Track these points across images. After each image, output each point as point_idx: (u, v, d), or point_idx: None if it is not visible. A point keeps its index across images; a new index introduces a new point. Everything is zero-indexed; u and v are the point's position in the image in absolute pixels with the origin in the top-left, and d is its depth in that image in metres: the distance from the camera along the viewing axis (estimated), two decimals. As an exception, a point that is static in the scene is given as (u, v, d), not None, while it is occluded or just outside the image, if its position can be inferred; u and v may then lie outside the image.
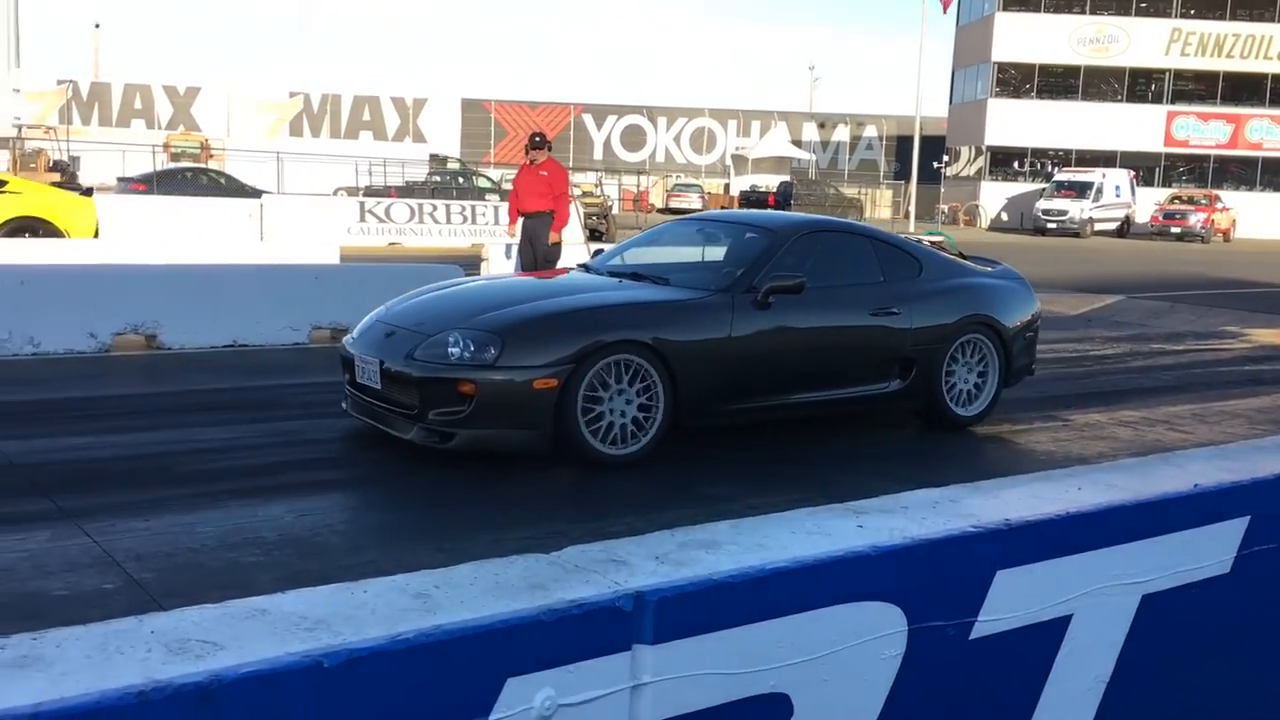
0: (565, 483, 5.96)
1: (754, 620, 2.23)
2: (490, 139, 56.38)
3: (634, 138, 58.94)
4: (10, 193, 14.44)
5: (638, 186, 44.99)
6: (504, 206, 25.48)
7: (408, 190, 31.01)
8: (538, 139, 11.95)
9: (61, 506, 5.04)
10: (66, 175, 34.27)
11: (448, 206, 25.33)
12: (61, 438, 6.35)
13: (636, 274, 7.05)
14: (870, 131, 61.76)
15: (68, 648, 1.95)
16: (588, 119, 58.25)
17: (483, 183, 35.23)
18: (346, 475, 5.96)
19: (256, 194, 25.71)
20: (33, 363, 8.71)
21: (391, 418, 6.03)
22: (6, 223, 13.72)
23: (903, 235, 8.45)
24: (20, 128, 40.99)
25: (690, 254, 7.81)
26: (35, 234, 13.58)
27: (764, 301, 6.51)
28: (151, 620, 2.03)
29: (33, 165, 34.50)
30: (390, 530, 5.04)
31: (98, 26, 66.71)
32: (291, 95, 53.92)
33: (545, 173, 11.73)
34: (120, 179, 29.73)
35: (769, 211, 9.49)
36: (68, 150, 39.16)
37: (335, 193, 32.84)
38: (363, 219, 23.88)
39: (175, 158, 38.16)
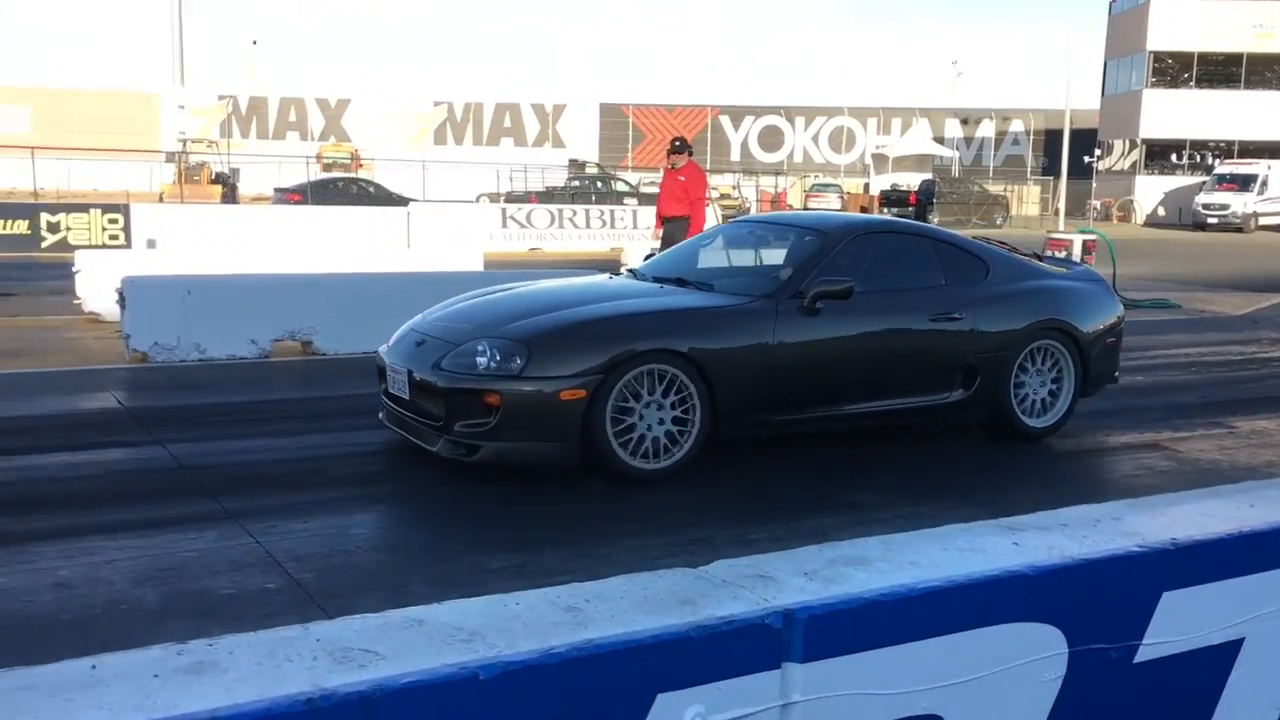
0: (702, 487, 5.95)
1: (907, 640, 2.19)
2: (628, 142, 56.80)
3: (771, 138, 58.60)
4: None
5: (775, 188, 44.70)
6: (643, 210, 25.70)
7: (547, 195, 31.50)
8: (678, 143, 12.00)
9: (226, 508, 5.28)
10: (227, 187, 35.88)
11: (587, 211, 25.63)
12: (226, 440, 6.65)
13: (681, 279, 6.75)
14: (1016, 126, 60.05)
15: (239, 654, 2.04)
16: (725, 120, 58.18)
17: (621, 187, 35.53)
18: (496, 477, 6.05)
19: (404, 202, 26.48)
20: (199, 368, 9.15)
21: (420, 429, 5.90)
22: None
23: (981, 239, 7.95)
24: (185, 142, 43.09)
25: (744, 258, 7.50)
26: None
27: (811, 307, 6.21)
28: (316, 628, 2.11)
29: (196, 178, 36.23)
30: (539, 532, 5.11)
31: (255, 43, 69.69)
32: (436, 104, 55.36)
33: (683, 177, 11.78)
34: (276, 189, 31.00)
35: (825, 213, 8.94)
36: (228, 163, 40.99)
37: (478, 199, 33.58)
38: (504, 225, 24.34)
39: (327, 168, 39.59)
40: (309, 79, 56.28)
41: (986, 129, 60.44)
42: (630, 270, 7.45)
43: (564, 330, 5.80)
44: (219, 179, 36.96)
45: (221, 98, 53.91)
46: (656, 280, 6.78)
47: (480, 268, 14.16)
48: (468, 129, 55.29)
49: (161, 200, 31.88)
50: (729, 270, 7.27)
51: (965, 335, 6.71)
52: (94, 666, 2.12)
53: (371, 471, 6.07)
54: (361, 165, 42.70)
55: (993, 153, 60.41)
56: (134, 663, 2.09)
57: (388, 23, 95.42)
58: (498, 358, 5.60)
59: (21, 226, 20.83)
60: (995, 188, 47.92)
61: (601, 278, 7.46)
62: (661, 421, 5.76)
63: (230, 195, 35.13)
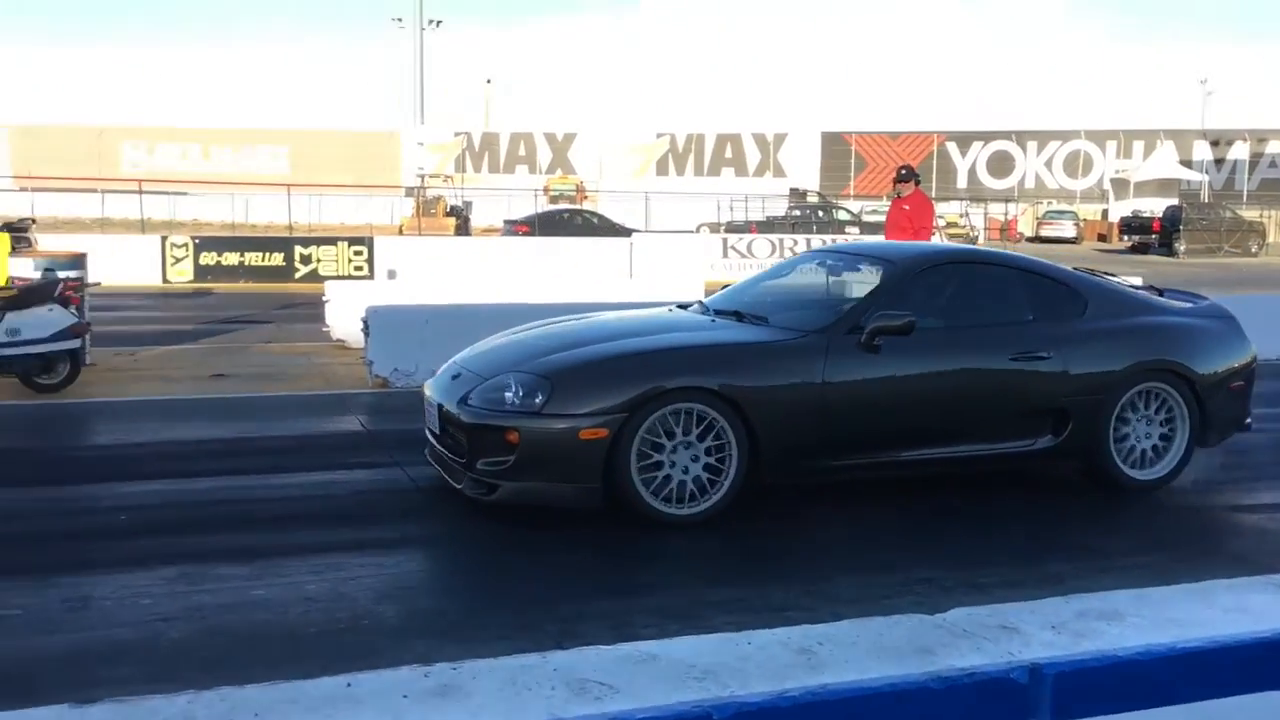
0: (929, 521, 5.78)
1: (1165, 703, 2.05)
2: (850, 171, 56.21)
3: (1001, 164, 56.77)
4: None
5: (1005, 215, 43.23)
6: (866, 239, 25.34)
7: (768, 225, 31.51)
8: (904, 171, 11.78)
9: (461, 530, 5.50)
10: (461, 219, 37.56)
11: (808, 241, 25.46)
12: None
13: (738, 312, 6.34)
14: (1273, 148, 55.98)
15: (481, 679, 2.11)
16: (951, 147, 56.77)
17: (843, 215, 35.15)
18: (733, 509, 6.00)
19: (627, 233, 27.03)
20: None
21: (450, 465, 5.72)
22: None
23: (1079, 268, 7.23)
24: (423, 177, 45.42)
25: (817, 290, 6.95)
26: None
27: (870, 343, 5.75)
28: (554, 658, 2.15)
29: (432, 211, 38.08)
30: (761, 565, 5.06)
31: (489, 82, 72.94)
32: (658, 136, 56.38)
33: (909, 206, 11.55)
34: (506, 221, 32.23)
35: (900, 243, 8.10)
36: (461, 196, 42.94)
37: (698, 229, 33.92)
38: (725, 255, 24.48)
39: (554, 200, 40.87)
40: (538, 114, 58.36)
41: (1239, 151, 56.62)
42: (700, 303, 7.02)
43: (588, 366, 5.53)
44: (453, 212, 38.72)
45: (457, 134, 56.54)
46: (718, 313, 6.42)
47: (702, 297, 14.25)
48: (689, 159, 56.05)
49: (401, 233, 33.66)
50: (792, 303, 6.72)
51: (1053, 376, 6.11)
52: (349, 684, 2.25)
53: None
54: (586, 197, 43.89)
55: (1246, 176, 56.53)
56: (385, 682, 2.20)
57: (612, 57, 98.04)
58: (521, 394, 5.39)
59: (278, 258, 22.40)
60: (1250, 214, 44.75)
61: (661, 311, 6.99)
62: (692, 465, 5.41)
63: (463, 227, 36.76)
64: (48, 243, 18.96)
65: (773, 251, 24.78)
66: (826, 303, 6.54)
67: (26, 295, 9.17)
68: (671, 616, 4.23)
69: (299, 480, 6.53)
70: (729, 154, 56.16)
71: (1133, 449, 6.28)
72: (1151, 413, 6.32)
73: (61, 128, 52.27)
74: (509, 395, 5.41)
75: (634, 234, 25.99)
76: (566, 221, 30.61)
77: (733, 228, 31.82)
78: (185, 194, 45.42)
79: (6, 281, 9.24)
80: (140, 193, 30.76)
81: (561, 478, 5.32)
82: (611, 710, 1.75)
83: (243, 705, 2.18)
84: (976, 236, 31.39)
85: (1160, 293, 7.20)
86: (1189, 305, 6.98)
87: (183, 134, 53.52)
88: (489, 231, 35.74)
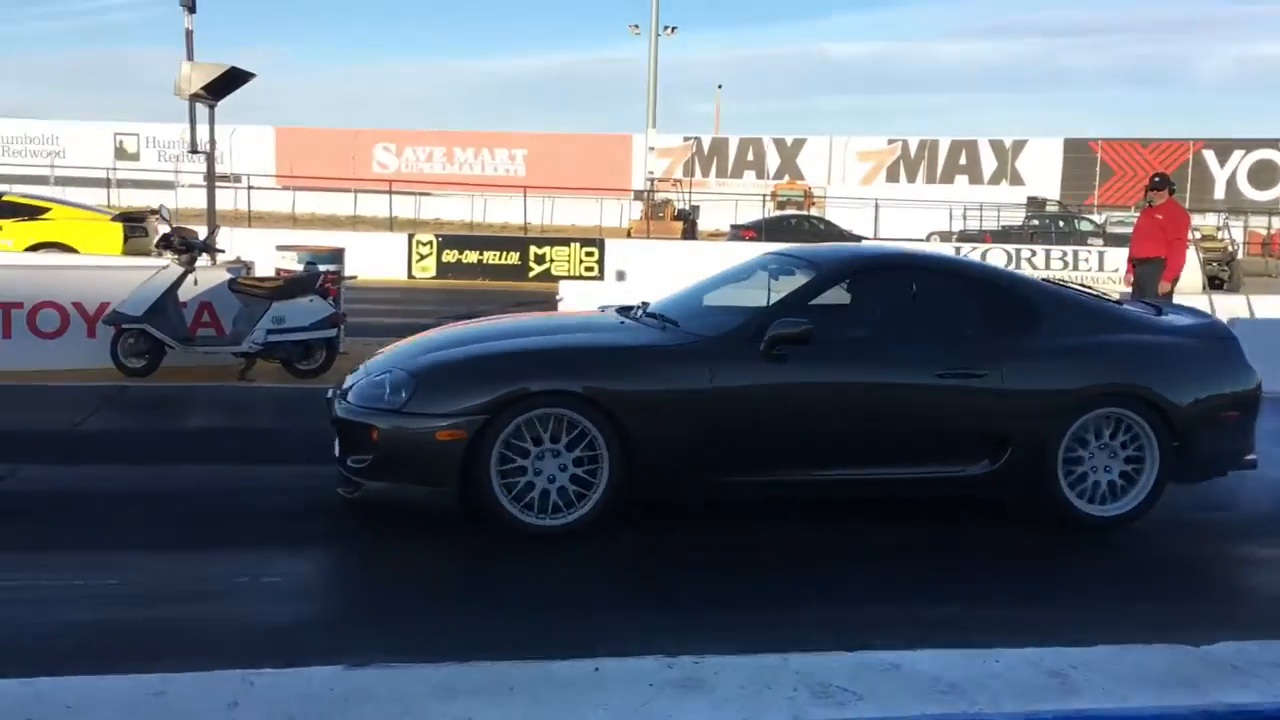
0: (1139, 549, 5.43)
1: None
2: (1095, 179, 53.58)
3: (1265, 174, 52.84)
4: (47, 219, 15.86)
5: (1268, 229, 40.17)
6: (1111, 252, 24.09)
7: (1003, 235, 30.39)
8: (1157, 179, 11.13)
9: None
10: (687, 223, 37.94)
11: (1047, 251, 24.46)
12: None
13: (664, 315, 5.89)
14: None
15: (723, 675, 2.14)
16: (1209, 155, 53.25)
17: (1085, 226, 33.53)
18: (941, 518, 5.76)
19: (856, 239, 26.66)
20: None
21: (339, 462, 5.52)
22: (31, 246, 15.10)
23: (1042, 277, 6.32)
24: (652, 181, 46.15)
25: (755, 294, 6.26)
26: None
27: (771, 352, 5.29)
28: (794, 659, 2.16)
29: (660, 215, 38.61)
30: (987, 577, 4.85)
31: (720, 87, 73.46)
32: (890, 142, 55.33)
33: (1161, 216, 10.90)
34: (733, 226, 32.34)
35: (841, 246, 6.96)
36: (689, 200, 43.38)
37: (928, 238, 33.07)
38: (958, 264, 23.81)
39: (781, 206, 40.71)
40: (767, 119, 58.25)
41: None
42: (643, 304, 6.42)
43: (454, 365, 5.29)
44: (680, 216, 39.15)
45: (686, 139, 57.18)
46: (651, 316, 5.97)
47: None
48: (921, 167, 54.76)
49: (629, 235, 34.32)
50: (717, 307, 6.17)
51: (988, 396, 5.50)
52: (596, 669, 2.32)
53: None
54: (814, 203, 43.53)
55: None
56: (630, 670, 2.26)
57: (839, 63, 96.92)
58: (389, 391, 5.18)
59: (513, 257, 23.26)
60: None
61: (593, 311, 6.60)
62: (564, 470, 5.07)
63: (690, 231, 37.10)
64: (305, 238, 20.31)
65: (1009, 262, 23.91)
66: (747, 308, 5.90)
67: (291, 286, 9.84)
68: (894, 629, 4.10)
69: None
70: (963, 161, 54.55)
71: (1089, 481, 5.61)
72: (1114, 442, 5.64)
73: (321, 130, 55.92)
74: (381, 392, 5.22)
75: (863, 241, 25.61)
76: (793, 227, 30.46)
77: (966, 237, 30.87)
78: (429, 194, 47.79)
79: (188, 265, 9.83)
80: (390, 193, 32.54)
81: (417, 479, 5.08)
82: (854, 716, 1.75)
83: (501, 679, 2.29)
84: (1235, 251, 29.29)
85: (1160, 311, 6.48)
86: (1184, 324, 6.19)
87: (429, 137, 56.33)
88: (715, 236, 35.97)
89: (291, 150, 53.46)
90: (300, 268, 11.07)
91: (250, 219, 28.69)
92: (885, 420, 5.48)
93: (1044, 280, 6.30)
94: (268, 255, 13.76)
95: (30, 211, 15.67)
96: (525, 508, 5.04)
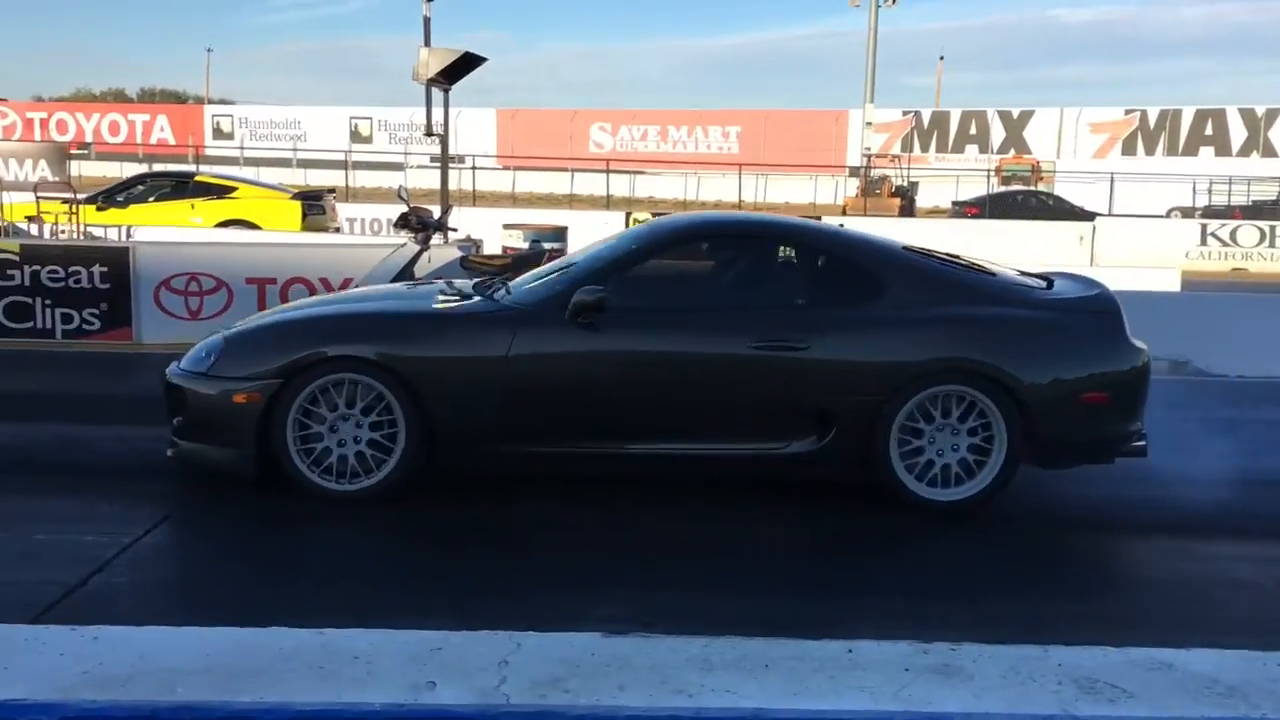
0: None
1: None
2: (1359, 149, 49.22)
3: None
4: (234, 198, 16.74)
5: None
6: None
7: (1254, 210, 28.36)
8: None
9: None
10: (905, 200, 37.09)
11: (1304, 228, 22.70)
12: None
13: (504, 283, 5.75)
14: None
15: (982, 664, 2.11)
16: None
17: (1349, 200, 30.90)
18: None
19: (1086, 216, 25.44)
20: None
21: None
22: (220, 223, 15.90)
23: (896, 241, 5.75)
24: (869, 157, 45.30)
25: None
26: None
27: (577, 320, 5.12)
28: (1055, 652, 2.11)
29: (877, 191, 37.89)
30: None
31: (941, 59, 71.23)
32: (1127, 113, 52.34)
33: None
34: (954, 203, 31.40)
35: (680, 216, 6.12)
36: (907, 177, 42.35)
37: (1168, 214, 31.22)
38: (1204, 242, 22.39)
39: (1006, 181, 39.25)
40: (991, 91, 56.00)
41: None
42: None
43: (258, 330, 5.48)
44: (898, 192, 38.29)
45: (905, 113, 55.78)
46: (501, 286, 5.74)
47: (1177, 287, 13.17)
48: (1161, 138, 51.60)
49: (845, 213, 33.80)
50: (550, 278, 5.69)
51: (810, 369, 5.13)
52: (850, 650, 2.36)
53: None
54: (1042, 178, 41.74)
55: None
56: (885, 653, 2.27)
57: (1070, 29, 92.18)
58: (204, 354, 5.37)
59: (729, 235, 23.32)
60: None
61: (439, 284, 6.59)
62: (358, 440, 5.12)
63: (908, 209, 36.27)
64: (528, 217, 20.94)
65: (1261, 239, 22.34)
66: (566, 277, 5.60)
67: (519, 264, 10.23)
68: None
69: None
70: (1209, 131, 51.05)
71: (929, 463, 5.19)
72: (958, 422, 5.19)
73: (539, 111, 57.46)
74: (200, 354, 5.42)
75: (1097, 218, 24.40)
76: (1020, 204, 29.36)
77: (1212, 212, 28.97)
78: (643, 173, 48.42)
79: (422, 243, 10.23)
80: (607, 171, 33.15)
81: (220, 441, 5.21)
82: (1126, 714, 1.69)
83: (757, 655, 2.35)
84: None
85: (1051, 284, 5.86)
86: (1063, 298, 5.59)
87: (644, 116, 56.99)
88: (935, 213, 35.03)
89: (511, 131, 55.14)
90: (526, 245, 11.48)
91: (474, 198, 29.83)
92: (695, 393, 5.22)
93: (910, 248, 5.86)
94: (493, 233, 14.29)
95: (219, 191, 16.96)
96: (324, 472, 5.11)
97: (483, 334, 5.24)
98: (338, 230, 18.04)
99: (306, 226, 16.19)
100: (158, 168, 24.42)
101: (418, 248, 9.93)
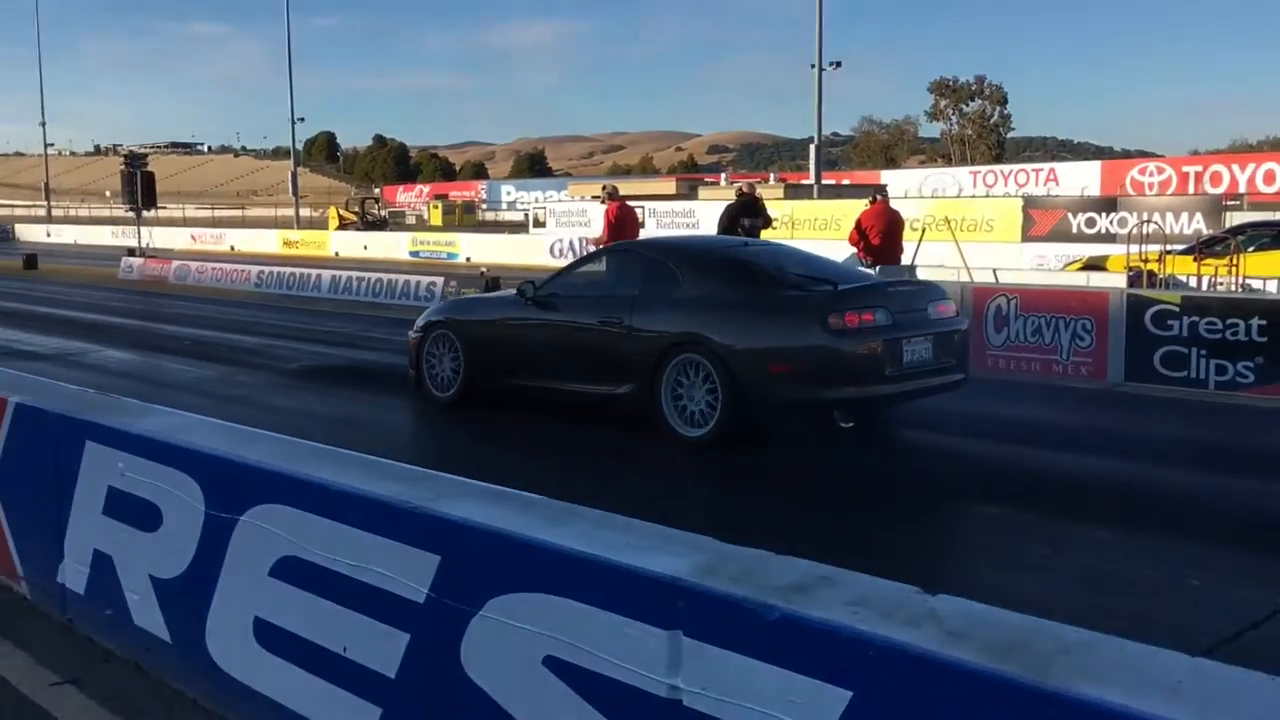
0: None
1: None
2: None
3: None
4: None
5: None
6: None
7: None
8: None
9: None
10: None
11: None
12: None
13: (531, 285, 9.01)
14: None
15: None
16: None
17: None
18: None
19: None
20: None
21: None
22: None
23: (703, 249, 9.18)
24: None
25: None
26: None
27: (528, 301, 8.73)
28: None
29: None
30: None
31: None
32: None
33: None
34: None
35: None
36: None
37: None
38: None
39: None
40: None
41: None
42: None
43: None
44: None
45: None
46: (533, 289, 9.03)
47: None
48: None
49: None
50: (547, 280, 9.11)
51: (620, 337, 7.90)
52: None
53: None
54: None
55: None
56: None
57: None
58: None
59: None
60: None
61: None
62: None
63: None
64: None
65: None
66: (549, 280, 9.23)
67: None
68: None
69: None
70: None
71: (684, 408, 7.55)
72: (700, 380, 7.46)
73: None
74: None
75: None
76: None
77: None
78: None
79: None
80: None
81: None
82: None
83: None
84: None
85: (835, 285, 7.67)
86: (802, 290, 7.67)
87: None
88: None
89: None
90: None
91: None
92: (573, 352, 8.32)
93: (740, 246, 9.32)
94: None
95: None
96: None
97: (490, 310, 9.42)
98: None
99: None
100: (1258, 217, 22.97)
101: None
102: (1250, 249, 15.77)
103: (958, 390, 7.96)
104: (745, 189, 15.44)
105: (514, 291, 9.06)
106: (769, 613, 2.23)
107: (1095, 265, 17.00)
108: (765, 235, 13.96)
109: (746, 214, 14.24)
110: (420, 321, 9.44)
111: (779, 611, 2.22)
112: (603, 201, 14.88)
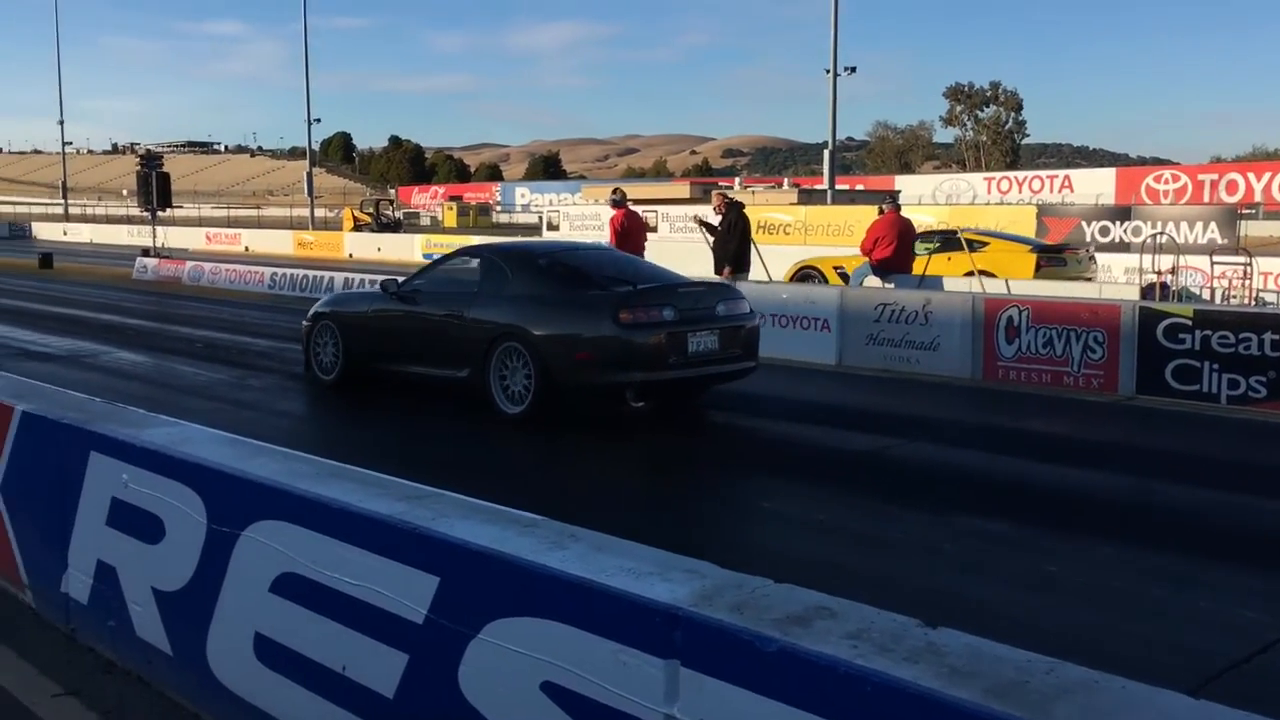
0: None
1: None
2: None
3: None
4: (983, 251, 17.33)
5: None
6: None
7: None
8: None
9: None
10: None
11: None
12: None
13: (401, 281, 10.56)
14: None
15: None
16: None
17: None
18: None
19: None
20: None
21: None
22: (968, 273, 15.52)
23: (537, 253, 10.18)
24: None
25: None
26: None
27: (393, 296, 10.11)
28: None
29: None
30: None
31: None
32: None
33: None
34: None
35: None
36: None
37: None
38: None
39: None
40: None
41: None
42: None
43: None
44: None
45: None
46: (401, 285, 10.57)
47: None
48: None
49: None
50: (413, 280, 10.54)
51: (460, 328, 9.27)
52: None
53: None
54: None
55: None
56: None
57: None
58: None
59: None
60: None
61: None
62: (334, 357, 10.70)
63: None
64: None
65: None
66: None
67: None
68: None
69: None
70: None
71: (509, 389, 8.88)
72: (520, 365, 8.81)
73: None
74: None
75: None
76: None
77: None
78: None
79: None
80: None
81: None
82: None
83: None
84: None
85: (634, 286, 9.02)
86: (606, 290, 8.94)
87: None
88: None
89: None
90: None
91: None
92: (425, 340, 9.67)
93: (557, 258, 9.82)
94: None
95: (974, 246, 17.26)
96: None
97: (363, 305, 10.58)
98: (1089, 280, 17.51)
99: (1039, 277, 16.79)
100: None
101: None
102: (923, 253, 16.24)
103: (745, 378, 9.35)
104: (718, 198, 15.97)
105: (379, 287, 10.48)
106: (767, 645, 2.21)
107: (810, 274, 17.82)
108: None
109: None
110: (310, 312, 10.95)
111: (777, 644, 2.20)
112: (611, 205, 14.92)
